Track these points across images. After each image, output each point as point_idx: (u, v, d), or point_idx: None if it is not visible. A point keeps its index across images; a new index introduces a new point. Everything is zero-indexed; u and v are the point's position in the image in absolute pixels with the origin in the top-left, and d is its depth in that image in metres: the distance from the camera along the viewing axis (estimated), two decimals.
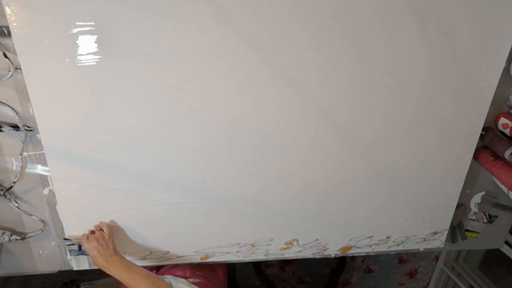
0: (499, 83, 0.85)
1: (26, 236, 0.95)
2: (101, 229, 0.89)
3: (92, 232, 0.90)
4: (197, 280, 1.07)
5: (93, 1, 0.69)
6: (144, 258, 1.01)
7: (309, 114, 0.85)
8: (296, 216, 1.00)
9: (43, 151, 0.83)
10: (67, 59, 0.73)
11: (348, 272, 2.10)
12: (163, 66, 0.76)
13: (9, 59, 0.74)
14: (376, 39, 0.78)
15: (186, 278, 1.06)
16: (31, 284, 1.68)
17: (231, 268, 1.96)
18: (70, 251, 0.97)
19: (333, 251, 1.09)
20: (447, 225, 1.07)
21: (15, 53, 0.73)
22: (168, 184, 0.90)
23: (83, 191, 0.88)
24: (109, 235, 0.88)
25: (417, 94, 0.85)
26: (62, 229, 0.94)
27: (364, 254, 1.12)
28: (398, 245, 1.10)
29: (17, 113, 0.81)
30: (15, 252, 0.98)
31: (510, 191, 1.01)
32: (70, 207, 0.90)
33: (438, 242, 1.11)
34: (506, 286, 1.73)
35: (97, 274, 1.70)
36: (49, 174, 0.87)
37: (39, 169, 0.88)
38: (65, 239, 0.94)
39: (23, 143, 0.84)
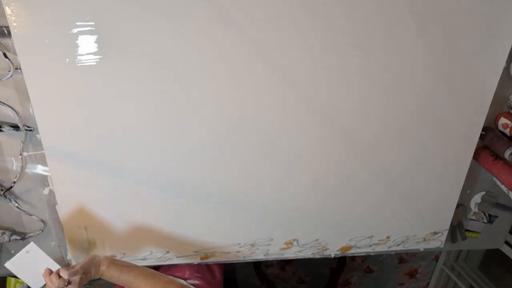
0: (499, 83, 0.85)
1: (26, 236, 0.95)
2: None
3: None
4: (196, 282, 1.07)
5: (93, 1, 0.69)
6: (144, 258, 1.01)
7: (310, 114, 0.85)
8: (296, 216, 1.00)
9: (43, 151, 0.83)
10: (67, 59, 0.73)
11: (348, 272, 2.10)
12: (163, 66, 0.76)
13: (9, 59, 0.74)
14: (376, 39, 0.78)
15: (185, 279, 1.06)
16: None
17: (231, 268, 1.96)
18: None
19: (333, 251, 1.09)
20: (447, 225, 1.07)
21: (15, 53, 0.73)
22: (168, 184, 0.90)
23: (83, 191, 0.88)
24: (78, 278, 0.70)
25: (417, 94, 0.85)
26: (62, 229, 0.94)
27: (364, 254, 1.12)
28: (398, 245, 1.10)
29: (17, 113, 0.81)
30: (15, 252, 0.98)
31: (510, 191, 1.01)
32: (70, 207, 0.90)
33: (438, 242, 1.11)
34: (506, 286, 1.73)
35: None
36: (49, 174, 0.87)
37: (39, 169, 0.88)
38: None
39: (23, 143, 0.84)
